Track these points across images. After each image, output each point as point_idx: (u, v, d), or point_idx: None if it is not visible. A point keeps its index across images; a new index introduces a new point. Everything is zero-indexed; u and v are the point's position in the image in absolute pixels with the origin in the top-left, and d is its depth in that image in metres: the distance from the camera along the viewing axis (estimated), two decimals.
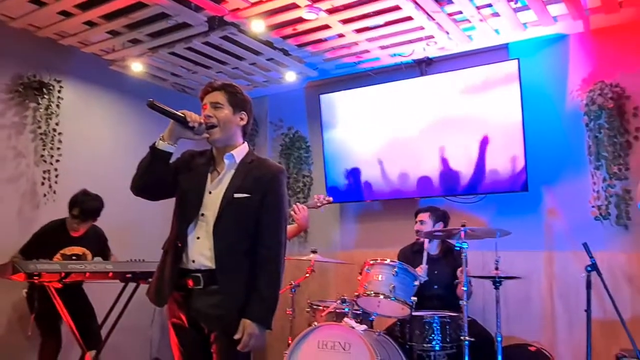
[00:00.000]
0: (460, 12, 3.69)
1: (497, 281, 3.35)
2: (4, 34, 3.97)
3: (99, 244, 3.96)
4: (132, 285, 3.72)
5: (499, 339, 3.28)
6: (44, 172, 4.15)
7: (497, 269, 3.38)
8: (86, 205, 3.71)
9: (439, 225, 3.91)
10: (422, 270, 3.56)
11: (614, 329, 3.60)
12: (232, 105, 2.20)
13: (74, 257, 3.74)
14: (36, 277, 3.17)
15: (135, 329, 4.60)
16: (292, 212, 3.77)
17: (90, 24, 3.93)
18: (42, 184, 4.14)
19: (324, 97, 4.90)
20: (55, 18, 3.85)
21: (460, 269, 3.42)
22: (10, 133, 4.03)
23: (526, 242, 4.07)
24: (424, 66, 4.58)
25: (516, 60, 4.01)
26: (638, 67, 3.85)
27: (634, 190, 3.75)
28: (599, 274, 3.10)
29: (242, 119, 2.24)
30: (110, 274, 3.47)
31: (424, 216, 3.93)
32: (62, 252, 3.72)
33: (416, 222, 3.96)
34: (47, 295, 3.36)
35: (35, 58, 4.17)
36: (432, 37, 4.01)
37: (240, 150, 2.23)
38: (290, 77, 4.84)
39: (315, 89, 5.18)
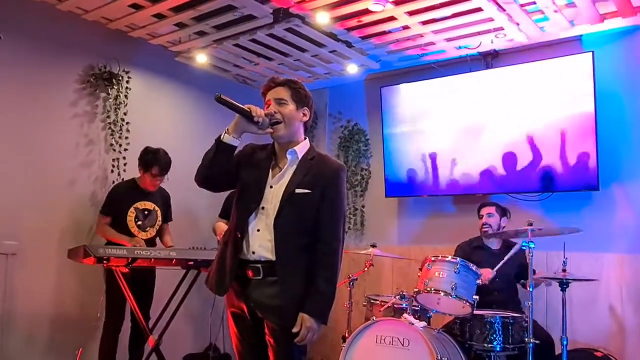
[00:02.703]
0: (534, 3, 3.55)
1: (564, 283, 3.23)
2: (77, 27, 4.12)
3: (165, 204, 4.13)
4: (193, 272, 3.83)
5: (565, 342, 3.16)
6: (114, 160, 4.30)
7: (564, 270, 3.25)
8: (162, 161, 3.86)
9: (504, 221, 3.84)
10: (489, 275, 3.48)
11: None
12: (295, 101, 2.22)
13: (146, 212, 3.94)
14: (105, 261, 3.31)
15: (195, 316, 4.74)
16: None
17: (159, 16, 4.03)
18: (112, 171, 4.30)
19: (385, 90, 4.84)
20: (126, 11, 3.97)
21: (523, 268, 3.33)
22: (82, 121, 4.19)
23: (594, 244, 3.90)
24: (490, 59, 4.45)
25: (590, 53, 3.83)
26: None
27: None
28: None
29: (304, 114, 2.26)
30: (174, 261, 3.58)
31: (491, 209, 3.87)
32: (135, 206, 3.90)
33: (481, 216, 3.89)
34: (115, 278, 3.50)
35: (106, 50, 4.31)
36: (501, 28, 3.89)
37: (302, 147, 2.25)
38: (352, 69, 4.81)
39: (376, 81, 5.13)
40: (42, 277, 3.90)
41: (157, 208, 4.02)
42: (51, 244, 3.94)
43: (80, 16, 4.07)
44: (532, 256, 3.18)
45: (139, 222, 3.92)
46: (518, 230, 3.31)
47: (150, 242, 3.98)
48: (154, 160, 3.84)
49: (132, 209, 3.88)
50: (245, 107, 2.09)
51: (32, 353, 3.83)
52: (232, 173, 2.22)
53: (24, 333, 3.79)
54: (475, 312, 3.28)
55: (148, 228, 3.96)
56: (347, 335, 3.72)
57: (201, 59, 4.62)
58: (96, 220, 3.97)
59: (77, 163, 4.14)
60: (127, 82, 4.39)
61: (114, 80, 4.30)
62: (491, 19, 3.77)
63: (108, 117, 4.31)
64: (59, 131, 4.05)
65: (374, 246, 4.00)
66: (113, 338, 3.85)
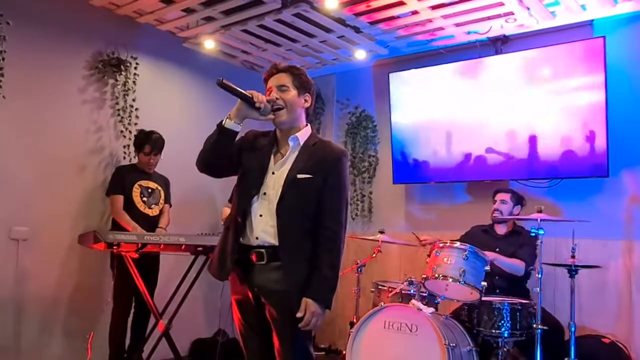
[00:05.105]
0: None
1: (572, 270, 3.23)
2: (85, 13, 4.11)
3: (166, 187, 4.22)
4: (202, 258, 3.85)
5: (573, 329, 3.18)
6: (124, 147, 4.32)
7: (573, 257, 3.25)
8: (152, 139, 4.01)
9: (517, 209, 3.84)
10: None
11: None
12: (297, 87, 2.22)
13: (149, 189, 4.07)
14: (115, 247, 3.34)
15: (204, 301, 4.78)
16: None
17: (167, 1, 4.01)
18: (124, 157, 4.32)
19: (393, 76, 4.81)
20: None
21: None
22: (92, 108, 4.20)
23: (603, 230, 3.88)
24: (499, 44, 4.40)
25: (602, 38, 3.78)
26: None
27: None
28: None
29: (306, 101, 2.26)
30: (183, 247, 3.60)
31: (506, 196, 3.87)
32: (139, 183, 4.02)
33: (495, 202, 3.90)
34: (124, 264, 3.54)
35: (114, 36, 4.30)
36: (511, 13, 3.85)
37: (304, 132, 2.25)
38: (360, 55, 4.78)
39: (384, 67, 5.10)
40: (53, 262, 3.94)
41: (159, 188, 4.13)
42: (62, 230, 3.97)
43: (88, 2, 4.06)
44: (541, 243, 3.19)
45: (144, 199, 4.00)
46: (527, 218, 3.31)
47: (155, 221, 4.06)
48: (146, 139, 4.01)
49: (136, 186, 4.00)
50: (247, 92, 2.09)
51: (45, 337, 3.89)
52: (233, 159, 2.23)
53: (36, 318, 3.84)
54: (484, 298, 3.29)
55: (153, 205, 4.06)
56: (354, 321, 3.75)
57: (209, 44, 4.60)
58: (110, 203, 4.00)
59: (87, 149, 4.16)
60: (135, 68, 4.38)
61: (122, 66, 4.30)
62: (501, 4, 3.74)
63: (117, 103, 4.32)
64: (69, 117, 4.06)
65: (382, 232, 4.00)
66: (122, 323, 3.91)
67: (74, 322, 4.00)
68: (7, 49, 3.60)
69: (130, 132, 4.33)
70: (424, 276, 3.36)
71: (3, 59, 3.58)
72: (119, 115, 4.31)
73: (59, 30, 4.00)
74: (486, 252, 3.40)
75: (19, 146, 3.76)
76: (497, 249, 3.68)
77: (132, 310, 3.99)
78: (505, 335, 3.29)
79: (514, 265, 3.59)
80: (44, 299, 3.88)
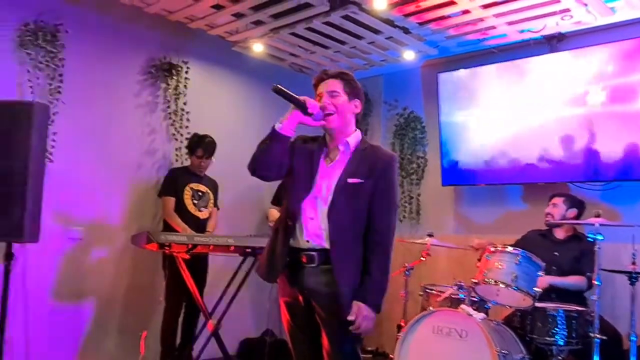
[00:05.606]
0: None
1: (633, 276, 3.10)
2: (139, 20, 4.23)
3: (214, 190, 4.29)
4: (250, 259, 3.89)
5: (633, 338, 3.04)
6: (176, 149, 4.42)
7: (633, 263, 3.11)
8: (205, 143, 4.11)
9: (571, 212, 3.70)
10: (543, 284, 3.38)
11: None
12: (347, 93, 2.25)
13: (199, 192, 4.15)
14: (167, 248, 3.41)
15: (252, 302, 4.83)
16: None
17: (218, 7, 4.08)
18: (176, 160, 4.42)
19: (443, 76, 4.74)
20: (186, 2, 4.03)
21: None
22: (145, 111, 4.32)
23: None
24: (554, 42, 4.26)
25: None
26: None
27: None
28: None
29: (356, 106, 2.29)
30: (232, 248, 3.63)
31: (558, 200, 3.78)
32: (190, 186, 4.11)
33: (548, 205, 3.79)
34: (176, 264, 3.61)
35: (166, 41, 4.42)
36: (568, 10, 3.72)
37: (355, 137, 2.28)
38: (409, 55, 4.72)
39: (433, 67, 5.02)
40: (108, 262, 4.07)
41: (209, 191, 4.21)
42: (116, 230, 4.10)
43: (142, 9, 4.18)
44: (599, 249, 3.06)
45: (195, 201, 4.09)
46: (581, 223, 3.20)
47: (204, 223, 4.14)
48: (198, 142, 4.10)
49: (187, 188, 4.08)
50: (301, 98, 2.12)
51: (101, 334, 4.02)
52: (285, 163, 2.25)
53: (93, 315, 3.98)
54: (537, 304, 3.19)
55: (202, 208, 4.14)
56: (402, 324, 3.70)
57: (257, 48, 4.65)
58: (162, 204, 4.10)
59: (140, 152, 4.28)
60: (186, 72, 4.48)
61: (173, 70, 4.41)
62: (557, 0, 3.62)
63: (168, 107, 4.43)
64: (123, 121, 4.19)
65: (430, 235, 3.94)
66: (173, 322, 4.00)
67: (128, 320, 4.12)
68: (66, 56, 3.77)
69: (181, 134, 4.43)
70: (475, 281, 3.29)
71: (63, 65, 3.75)
72: (170, 118, 4.42)
73: (114, 38, 4.14)
74: (544, 277, 3.30)
75: (77, 149, 3.90)
76: (556, 253, 3.59)
77: (183, 310, 4.07)
78: (560, 343, 3.18)
79: (576, 283, 3.50)
80: (99, 297, 4.02)
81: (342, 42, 4.55)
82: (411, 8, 3.91)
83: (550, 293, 3.51)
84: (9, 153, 2.76)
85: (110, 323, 4.07)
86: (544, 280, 3.40)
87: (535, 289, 3.14)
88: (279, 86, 2.09)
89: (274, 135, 2.16)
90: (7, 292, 2.84)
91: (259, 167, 2.23)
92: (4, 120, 2.79)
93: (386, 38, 4.42)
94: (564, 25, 4.02)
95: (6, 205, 2.72)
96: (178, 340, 4.06)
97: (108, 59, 4.10)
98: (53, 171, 3.56)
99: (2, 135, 2.77)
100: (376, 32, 4.28)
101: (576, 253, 3.59)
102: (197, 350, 3.75)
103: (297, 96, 2.12)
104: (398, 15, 4.03)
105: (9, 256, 2.88)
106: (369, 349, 5.00)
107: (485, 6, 3.79)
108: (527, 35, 4.25)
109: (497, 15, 3.93)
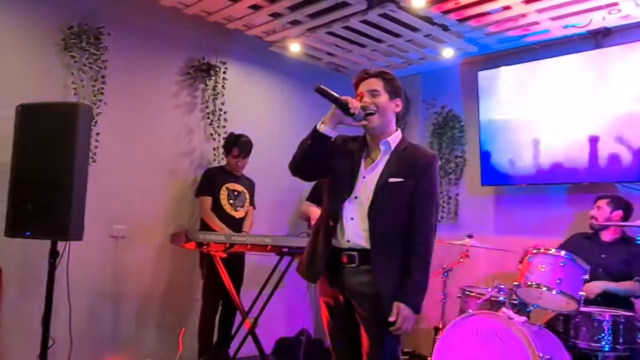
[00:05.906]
0: None
1: None
2: (178, 21, 4.29)
3: (251, 189, 4.31)
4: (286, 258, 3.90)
5: None
6: (214, 149, 4.46)
7: None
8: (241, 142, 4.12)
9: (617, 214, 3.58)
10: (595, 290, 3.29)
11: None
12: (388, 92, 2.23)
13: (235, 192, 4.18)
14: (205, 247, 3.45)
15: (288, 301, 4.84)
16: None
17: (255, 7, 4.11)
18: (214, 159, 4.46)
19: (483, 74, 4.65)
20: (224, 3, 4.08)
21: None
22: (183, 112, 4.38)
23: None
24: (600, 37, 4.12)
25: None
26: None
27: None
28: None
29: (397, 105, 2.27)
30: (269, 247, 3.65)
31: (602, 202, 3.66)
32: (226, 185, 4.14)
33: (593, 208, 3.69)
34: (213, 263, 3.64)
35: (205, 42, 4.46)
36: (615, 4, 3.60)
37: (395, 137, 2.26)
38: (448, 53, 4.65)
39: (473, 65, 4.93)
40: (147, 260, 4.14)
41: (245, 191, 4.23)
42: (155, 229, 4.16)
43: (181, 10, 4.23)
44: None
45: (231, 201, 4.12)
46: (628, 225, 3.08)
47: (241, 223, 4.16)
48: (234, 142, 4.12)
49: (224, 188, 4.11)
50: (342, 98, 2.10)
51: (141, 331, 4.09)
52: (325, 163, 2.25)
53: (133, 312, 4.06)
54: (582, 309, 3.09)
55: (239, 208, 4.16)
56: (440, 326, 3.65)
57: (294, 47, 4.66)
58: (200, 204, 4.15)
59: (179, 151, 4.34)
60: (224, 72, 4.52)
61: (211, 71, 4.45)
62: None
63: (207, 107, 4.47)
64: (162, 121, 4.26)
65: (470, 237, 3.87)
66: (211, 320, 4.04)
67: (167, 317, 4.19)
68: (108, 57, 3.85)
69: (219, 134, 4.47)
70: (516, 283, 3.21)
71: (105, 67, 3.83)
72: (208, 118, 4.47)
73: (154, 39, 4.20)
74: (595, 282, 3.21)
75: (119, 149, 3.98)
76: (603, 255, 3.49)
77: (220, 308, 4.11)
78: (606, 349, 3.08)
79: (631, 289, 3.39)
80: (139, 295, 4.09)
81: (379, 41, 4.51)
82: (450, 5, 3.84)
83: (596, 296, 3.40)
84: (55, 153, 2.83)
85: (149, 320, 4.14)
86: (598, 286, 3.31)
87: (581, 292, 3.04)
88: (322, 86, 2.08)
89: (315, 136, 2.15)
90: (52, 288, 2.93)
91: (299, 167, 2.24)
92: (50, 122, 2.87)
93: (424, 36, 4.36)
94: (611, 20, 3.89)
95: (52, 204, 2.80)
96: (215, 338, 4.10)
97: (148, 60, 4.18)
98: (96, 171, 3.64)
99: (47, 136, 2.84)
100: (414, 29, 4.23)
101: (625, 256, 3.47)
102: (234, 348, 3.78)
103: (339, 96, 2.10)
104: (436, 12, 3.97)
105: (54, 254, 2.96)
106: (406, 350, 4.95)
107: (527, 1, 3.70)
108: (571, 31, 4.13)
109: (540, 11, 3.83)
